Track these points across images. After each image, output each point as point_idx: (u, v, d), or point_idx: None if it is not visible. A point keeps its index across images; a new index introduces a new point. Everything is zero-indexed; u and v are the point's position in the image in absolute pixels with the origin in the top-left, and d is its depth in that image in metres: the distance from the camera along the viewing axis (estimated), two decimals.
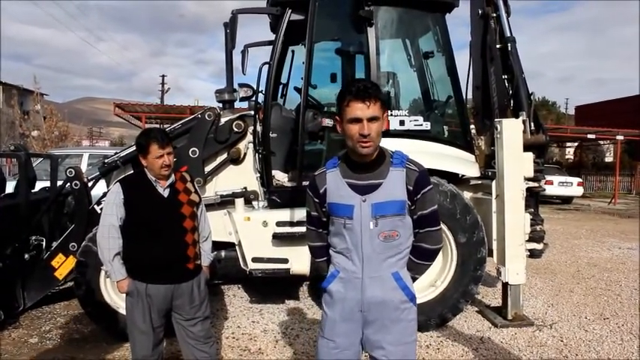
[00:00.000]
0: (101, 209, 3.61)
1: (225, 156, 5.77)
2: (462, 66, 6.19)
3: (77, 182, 5.42)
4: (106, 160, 5.65)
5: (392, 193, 2.46)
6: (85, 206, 5.47)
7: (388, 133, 5.57)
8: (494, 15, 6.04)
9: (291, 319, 5.84)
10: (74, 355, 4.78)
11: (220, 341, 5.11)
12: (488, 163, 6.12)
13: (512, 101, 5.92)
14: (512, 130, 5.49)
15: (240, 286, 7.23)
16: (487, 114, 6.33)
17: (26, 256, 5.51)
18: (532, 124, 5.74)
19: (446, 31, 6.00)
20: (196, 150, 5.55)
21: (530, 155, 5.59)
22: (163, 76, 51.38)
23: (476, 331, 5.53)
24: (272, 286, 6.91)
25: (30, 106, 30.43)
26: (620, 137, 26.98)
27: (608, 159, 42.39)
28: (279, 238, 5.51)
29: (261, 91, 5.88)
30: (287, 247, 5.48)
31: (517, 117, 5.68)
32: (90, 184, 5.64)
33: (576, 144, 38.65)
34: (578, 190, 23.24)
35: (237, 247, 5.68)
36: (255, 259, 5.58)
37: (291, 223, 5.54)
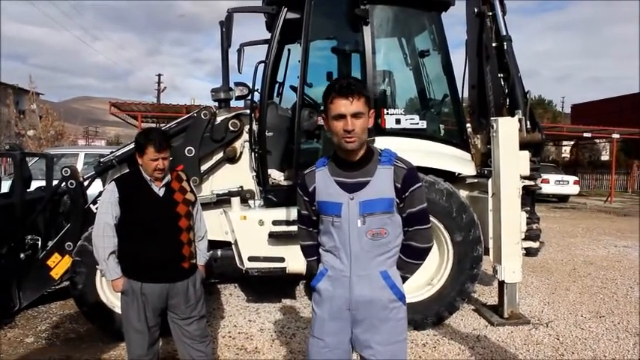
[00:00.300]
0: (97, 208, 3.59)
1: (221, 155, 5.76)
2: (458, 65, 6.21)
3: (73, 181, 5.41)
4: (101, 160, 5.63)
5: (380, 191, 2.45)
6: (80, 205, 5.45)
7: (384, 132, 5.57)
8: (490, 14, 6.05)
9: (288, 317, 5.83)
10: (70, 354, 4.76)
11: (217, 340, 5.10)
12: (485, 161, 6.13)
13: (508, 100, 5.93)
14: (508, 129, 5.50)
15: (236, 285, 7.23)
16: (483, 112, 6.34)
17: (22, 255, 5.51)
18: (528, 122, 5.75)
19: (442, 30, 5.99)
20: (192, 149, 5.54)
21: (526, 154, 5.60)
22: (159, 75, 51.41)
23: (472, 330, 5.54)
24: (268, 285, 6.90)
25: (26, 106, 30.30)
26: (616, 136, 27.05)
27: (604, 157, 42.47)
28: (275, 237, 5.51)
29: (257, 90, 5.87)
30: (283, 245, 5.48)
31: (513, 115, 5.69)
32: (85, 183, 5.63)
33: (572, 142, 38.78)
34: (575, 189, 23.31)
35: (233, 246, 5.67)
36: (251, 258, 5.57)
37: (288, 222, 5.53)
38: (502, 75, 5.96)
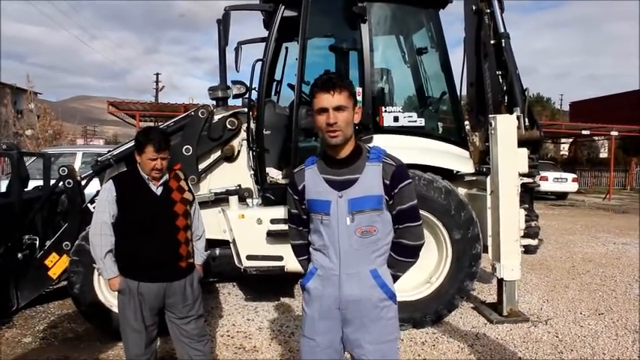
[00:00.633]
0: (94, 207, 3.58)
1: (218, 153, 5.75)
2: (456, 62, 6.19)
3: (70, 181, 5.39)
4: (99, 159, 5.61)
5: (368, 188, 2.44)
6: (78, 205, 5.44)
7: (382, 129, 5.57)
8: (488, 11, 6.03)
9: (286, 316, 5.82)
10: (68, 354, 4.75)
11: (215, 339, 5.09)
12: (483, 159, 6.12)
13: (506, 97, 5.92)
14: (506, 126, 5.49)
15: (234, 283, 7.22)
16: (481, 110, 6.33)
17: (19, 255, 5.48)
18: (526, 119, 5.74)
19: (440, 27, 5.98)
20: (190, 148, 5.53)
21: (524, 151, 5.58)
22: (157, 74, 51.37)
23: (471, 328, 5.53)
24: (267, 284, 6.89)
25: (23, 105, 30.30)
26: (614, 133, 27.10)
27: (603, 155, 42.52)
28: (273, 236, 5.49)
29: (255, 88, 5.87)
30: (281, 244, 5.46)
31: (511, 113, 5.68)
32: (83, 182, 5.61)
33: (571, 140, 38.80)
34: (573, 186, 23.33)
35: (231, 245, 5.66)
36: (249, 257, 5.56)
37: (286, 221, 5.46)
38: (500, 72, 5.95)
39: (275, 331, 5.37)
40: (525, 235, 5.71)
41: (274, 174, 5.96)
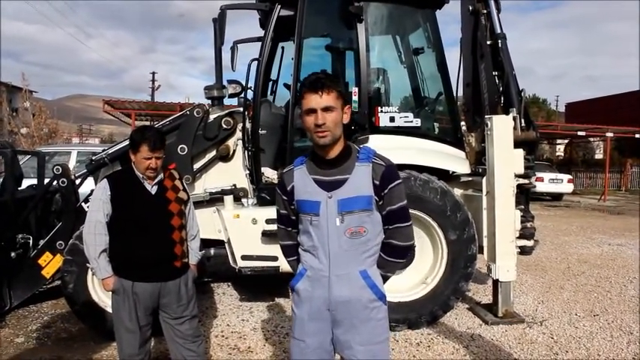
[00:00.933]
0: (89, 207, 3.56)
1: (214, 153, 5.73)
2: (453, 63, 6.18)
3: (64, 180, 5.37)
4: (93, 158, 5.58)
5: (358, 189, 2.42)
6: (72, 204, 5.41)
7: (378, 130, 5.56)
8: (485, 11, 6.02)
9: (281, 317, 5.81)
10: (61, 354, 4.72)
11: (209, 340, 5.07)
12: (479, 159, 6.11)
13: (502, 98, 5.91)
14: (502, 127, 5.48)
15: (229, 283, 7.20)
16: (477, 111, 6.32)
17: (13, 254, 5.45)
18: (522, 120, 5.72)
19: (436, 28, 5.97)
20: (185, 147, 5.50)
21: (520, 152, 5.58)
22: (154, 73, 51.27)
23: (466, 329, 5.52)
24: (261, 284, 6.87)
25: (19, 104, 30.16)
26: (610, 134, 27.15)
27: (598, 156, 42.62)
28: (268, 236, 5.46)
29: (251, 88, 5.85)
30: (276, 244, 5.39)
31: (507, 114, 5.67)
32: (77, 181, 5.58)
33: (566, 141, 38.88)
34: (569, 187, 23.37)
35: (226, 245, 5.63)
36: (244, 257, 5.54)
37: None
38: (497, 73, 5.94)
39: (269, 332, 5.35)
40: (521, 236, 5.70)
41: (269, 174, 5.94)
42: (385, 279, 2.58)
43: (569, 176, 24.18)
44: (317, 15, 5.77)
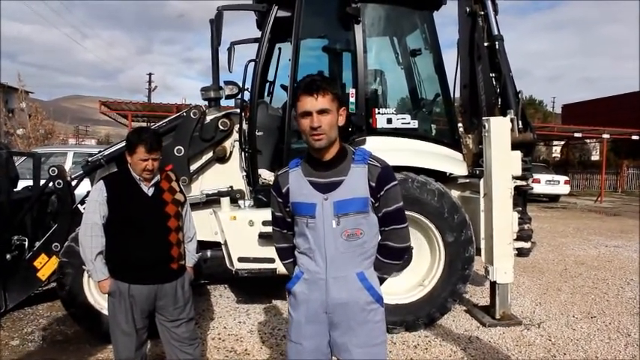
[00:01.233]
0: (85, 208, 3.53)
1: (210, 154, 5.71)
2: (450, 64, 6.18)
3: (60, 181, 5.34)
4: (89, 159, 5.56)
5: (354, 191, 2.41)
6: (68, 205, 5.39)
7: (375, 131, 5.55)
8: (482, 13, 6.02)
9: (278, 319, 5.79)
10: (57, 357, 4.70)
11: (206, 342, 5.05)
12: (476, 161, 6.10)
13: (499, 99, 5.91)
14: (500, 129, 5.47)
15: (226, 286, 7.17)
16: (475, 112, 6.32)
17: (8, 256, 5.41)
18: (520, 122, 5.72)
19: (433, 29, 5.96)
20: (182, 148, 5.48)
21: (518, 154, 5.57)
22: (150, 74, 51.24)
23: (464, 331, 5.51)
24: (258, 286, 6.85)
25: (15, 104, 30.06)
26: (606, 136, 27.22)
27: (595, 157, 42.70)
28: (265, 238, 5.44)
29: (248, 89, 5.83)
30: (273, 246, 5.41)
31: (505, 115, 5.67)
32: (73, 183, 5.56)
33: (563, 142, 38.92)
34: (565, 189, 23.40)
35: (223, 247, 5.62)
36: (241, 259, 5.52)
37: None
38: (494, 75, 5.94)
39: (266, 334, 5.33)
40: (518, 238, 5.70)
41: (266, 175, 5.92)
42: (382, 281, 2.58)
43: (566, 177, 24.20)
44: (314, 16, 5.76)
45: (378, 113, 5.64)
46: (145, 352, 3.54)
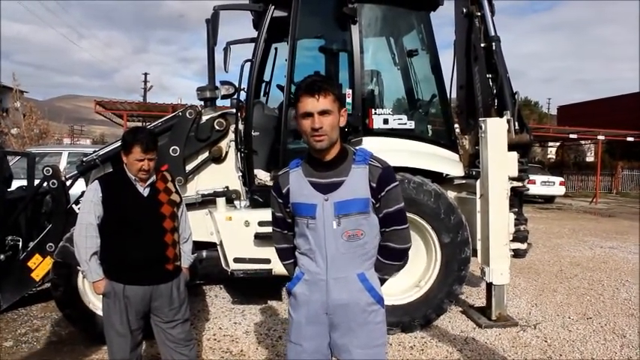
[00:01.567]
0: (79, 209, 3.51)
1: (206, 155, 5.70)
2: (446, 65, 6.17)
3: (55, 181, 5.32)
4: (84, 159, 5.53)
5: (354, 191, 2.40)
6: (62, 206, 5.36)
7: (372, 132, 5.54)
8: (479, 14, 6.01)
9: (274, 320, 5.77)
10: (51, 358, 4.67)
11: (201, 343, 5.03)
12: (473, 162, 6.10)
13: (496, 100, 5.90)
14: (496, 130, 5.47)
15: (221, 286, 7.15)
16: (471, 113, 6.31)
17: (2, 256, 5.39)
18: (516, 123, 5.72)
19: (430, 30, 5.96)
20: (177, 148, 5.47)
21: (514, 155, 5.57)
22: (146, 74, 51.12)
23: (460, 332, 5.51)
24: (254, 287, 6.82)
25: (9, 104, 29.92)
26: (601, 137, 27.27)
27: (589, 159, 42.83)
28: (261, 238, 5.43)
29: (244, 89, 5.81)
30: (269, 247, 5.35)
31: (501, 116, 5.66)
32: (68, 182, 5.53)
33: (558, 144, 39.02)
34: (561, 190, 23.48)
35: (218, 247, 5.59)
36: (237, 260, 5.50)
37: None
38: (490, 75, 5.93)
39: (262, 335, 5.31)
40: (514, 239, 5.69)
41: (262, 176, 5.90)
42: (382, 282, 2.57)
43: (561, 179, 24.27)
44: (311, 16, 5.75)
45: (375, 114, 5.64)
46: (140, 353, 3.52)
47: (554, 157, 45.29)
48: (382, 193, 2.43)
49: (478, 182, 5.60)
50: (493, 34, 5.88)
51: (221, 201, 5.62)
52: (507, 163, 5.49)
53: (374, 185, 2.41)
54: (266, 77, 6.94)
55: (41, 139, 25.83)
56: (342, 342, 2.47)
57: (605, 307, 6.49)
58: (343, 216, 2.39)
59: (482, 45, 5.97)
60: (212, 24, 5.56)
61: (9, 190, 5.82)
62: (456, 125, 6.61)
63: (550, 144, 41.34)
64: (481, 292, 6.76)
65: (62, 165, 10.29)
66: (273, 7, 5.61)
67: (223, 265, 5.58)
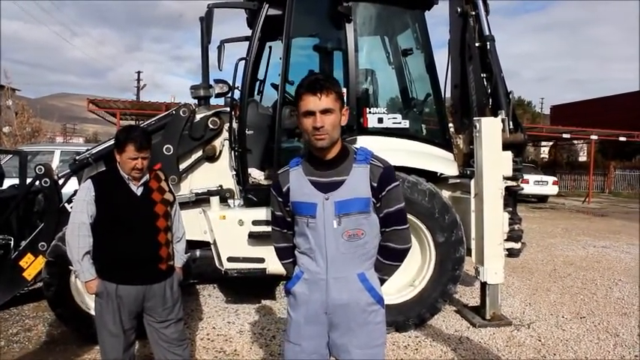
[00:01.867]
0: (72, 207, 3.48)
1: (200, 153, 5.67)
2: (441, 64, 6.16)
3: (47, 179, 5.27)
4: (77, 157, 5.49)
5: (355, 190, 2.39)
6: (55, 204, 5.32)
7: (366, 131, 5.52)
8: (473, 13, 6.01)
9: (268, 319, 5.75)
10: (43, 358, 4.64)
11: (195, 343, 5.00)
12: (467, 161, 6.10)
13: (490, 100, 5.90)
14: (491, 129, 5.47)
15: (215, 285, 7.12)
16: (465, 112, 6.32)
17: None
18: (511, 122, 5.72)
19: (425, 29, 5.95)
20: (171, 147, 5.44)
21: (509, 154, 5.57)
22: (139, 72, 50.94)
23: (454, 331, 5.50)
24: (248, 286, 6.81)
25: (1, 102, 29.77)
26: (594, 137, 27.38)
27: (582, 158, 43.03)
28: (255, 237, 5.42)
29: (238, 88, 5.80)
30: (263, 246, 5.37)
31: (496, 116, 5.66)
32: (60, 181, 5.48)
33: (551, 143, 39.17)
34: (554, 189, 23.53)
35: (212, 246, 5.58)
36: (230, 259, 5.48)
37: (268, 222, 5.41)
38: (485, 75, 5.93)
39: (256, 335, 5.29)
40: (509, 239, 5.70)
41: (256, 175, 5.88)
42: (382, 282, 2.56)
43: (554, 178, 24.34)
44: (305, 14, 5.72)
45: (369, 113, 5.62)
46: (132, 354, 3.49)
47: (547, 156, 45.48)
48: (383, 193, 2.42)
49: (472, 181, 5.61)
50: (488, 33, 5.88)
51: (215, 200, 5.60)
52: (502, 163, 5.49)
53: (375, 185, 2.40)
54: (260, 76, 6.92)
55: (33, 137, 25.71)
56: (341, 342, 2.46)
57: (599, 307, 6.51)
58: (344, 215, 2.38)
59: (476, 44, 5.96)
60: (206, 22, 5.52)
61: (1, 188, 5.78)
62: (451, 124, 6.61)
63: (543, 143, 41.52)
64: (475, 291, 6.76)
65: (55, 163, 10.23)
66: (267, 5, 5.59)
67: (217, 264, 5.56)
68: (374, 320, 2.48)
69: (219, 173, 5.76)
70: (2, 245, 5.47)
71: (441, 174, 5.93)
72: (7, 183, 6.05)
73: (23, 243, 5.39)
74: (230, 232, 5.47)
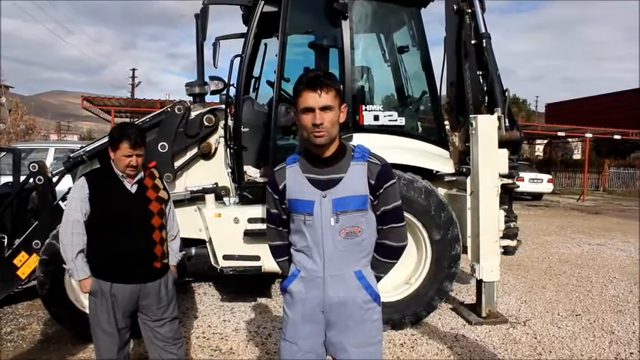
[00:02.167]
0: (65, 205, 3.45)
1: (195, 151, 5.64)
2: (437, 62, 6.17)
3: (41, 177, 5.23)
4: (71, 155, 5.46)
5: (353, 188, 2.38)
6: (49, 202, 5.28)
7: (362, 128, 5.51)
8: (469, 11, 5.99)
9: (263, 317, 5.73)
10: (37, 357, 4.61)
11: (190, 341, 4.99)
12: (463, 159, 6.09)
13: (486, 97, 5.90)
14: (487, 127, 5.46)
15: (210, 283, 7.10)
16: (461, 110, 6.30)
17: None
18: (507, 120, 5.71)
19: (421, 26, 5.94)
20: (166, 144, 5.41)
21: (504, 152, 5.57)
22: (134, 69, 50.87)
23: (450, 329, 5.50)
24: (243, 284, 6.79)
25: None
26: (589, 135, 27.45)
27: (577, 156, 43.16)
28: (250, 235, 5.40)
29: (233, 85, 5.78)
30: (259, 244, 5.36)
31: (492, 113, 5.65)
32: (55, 179, 5.45)
33: (546, 141, 39.26)
34: (548, 187, 23.59)
35: (207, 244, 5.56)
36: (226, 257, 5.46)
37: (263, 220, 5.37)
38: (481, 72, 5.92)
39: (252, 333, 5.27)
40: (504, 236, 5.69)
41: (252, 172, 5.87)
42: (378, 279, 2.54)
43: (549, 176, 24.42)
44: (301, 11, 5.71)
45: (365, 110, 5.60)
46: (127, 352, 3.47)
47: (541, 154, 45.58)
48: (380, 191, 2.41)
49: (468, 179, 5.60)
50: (483, 31, 5.87)
51: (210, 197, 5.58)
52: (498, 160, 5.49)
53: (372, 182, 2.39)
54: (255, 73, 6.90)
55: (27, 134, 25.61)
56: (338, 340, 2.45)
57: (594, 304, 6.52)
58: (341, 213, 2.36)
59: (472, 42, 5.95)
60: (201, 19, 5.50)
61: None
62: (447, 122, 6.60)
63: (538, 141, 41.59)
64: (471, 289, 6.76)
65: (49, 161, 10.17)
66: (263, 2, 5.57)
67: (212, 262, 5.54)
68: (370, 318, 2.47)
69: (214, 171, 5.74)
70: None
71: (437, 171, 5.92)
72: (1, 181, 6.00)
73: (17, 241, 5.36)
74: (225, 229, 5.45)
